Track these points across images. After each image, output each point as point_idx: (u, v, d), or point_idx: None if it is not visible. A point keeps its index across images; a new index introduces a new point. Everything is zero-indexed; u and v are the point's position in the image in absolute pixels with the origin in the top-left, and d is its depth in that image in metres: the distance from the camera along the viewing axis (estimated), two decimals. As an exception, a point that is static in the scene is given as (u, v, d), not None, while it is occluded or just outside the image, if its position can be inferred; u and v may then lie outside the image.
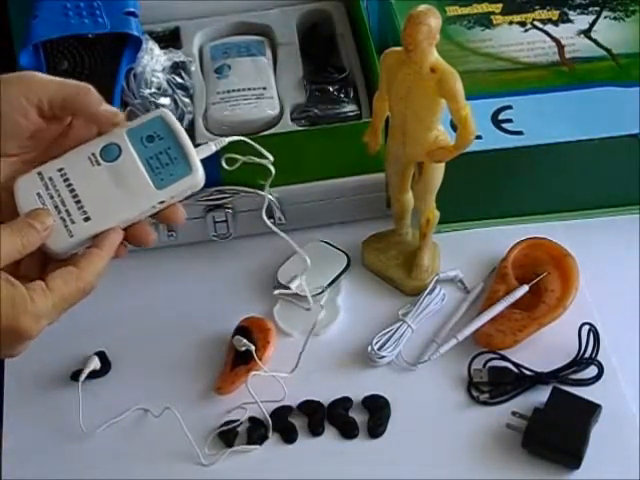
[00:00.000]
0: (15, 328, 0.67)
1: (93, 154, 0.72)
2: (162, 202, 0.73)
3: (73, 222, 0.71)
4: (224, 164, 0.79)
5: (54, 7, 1.06)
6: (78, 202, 0.72)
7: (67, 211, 0.71)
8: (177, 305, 0.98)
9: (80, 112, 0.73)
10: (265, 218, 0.86)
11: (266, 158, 0.80)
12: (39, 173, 0.72)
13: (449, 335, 0.92)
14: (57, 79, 0.73)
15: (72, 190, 0.72)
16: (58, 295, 0.69)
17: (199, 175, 0.73)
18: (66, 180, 0.72)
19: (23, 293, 0.67)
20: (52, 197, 0.72)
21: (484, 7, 1.13)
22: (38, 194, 0.71)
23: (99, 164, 0.72)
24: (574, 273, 0.94)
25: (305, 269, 0.88)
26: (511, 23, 1.11)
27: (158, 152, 0.73)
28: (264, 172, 0.83)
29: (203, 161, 0.74)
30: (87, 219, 0.71)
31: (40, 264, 0.72)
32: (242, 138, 0.78)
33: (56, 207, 0.71)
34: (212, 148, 0.76)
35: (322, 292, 0.96)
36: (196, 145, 0.75)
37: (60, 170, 0.72)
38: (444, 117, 0.86)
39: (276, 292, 0.96)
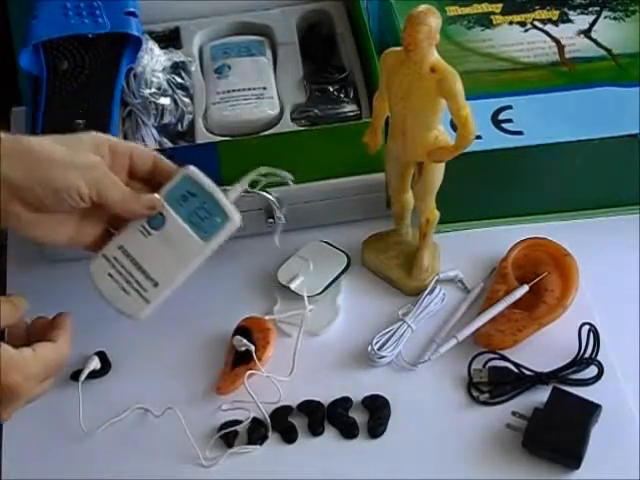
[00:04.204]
0: (5, 385, 0.70)
1: (143, 226, 0.80)
2: (212, 249, 0.81)
3: (145, 290, 0.80)
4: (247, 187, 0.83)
5: (54, 7, 1.06)
6: (144, 272, 0.80)
7: (137, 282, 0.80)
8: (177, 305, 0.97)
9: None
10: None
11: (286, 178, 0.85)
12: (104, 255, 0.80)
13: (449, 335, 0.92)
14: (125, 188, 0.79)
15: (135, 263, 0.80)
16: (42, 363, 0.74)
17: (236, 219, 0.80)
18: (128, 255, 0.80)
19: (13, 352, 0.71)
20: (121, 274, 0.80)
21: (484, 7, 1.13)
22: (109, 274, 0.80)
23: (150, 234, 0.80)
24: (574, 273, 0.94)
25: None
26: (511, 23, 1.11)
27: (196, 208, 0.80)
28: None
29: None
30: (156, 285, 0.80)
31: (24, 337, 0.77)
32: (262, 169, 0.83)
33: (128, 282, 0.80)
34: (238, 190, 0.82)
35: (322, 292, 0.96)
36: (224, 190, 0.80)
37: (120, 248, 0.80)
38: (444, 117, 0.86)
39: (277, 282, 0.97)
